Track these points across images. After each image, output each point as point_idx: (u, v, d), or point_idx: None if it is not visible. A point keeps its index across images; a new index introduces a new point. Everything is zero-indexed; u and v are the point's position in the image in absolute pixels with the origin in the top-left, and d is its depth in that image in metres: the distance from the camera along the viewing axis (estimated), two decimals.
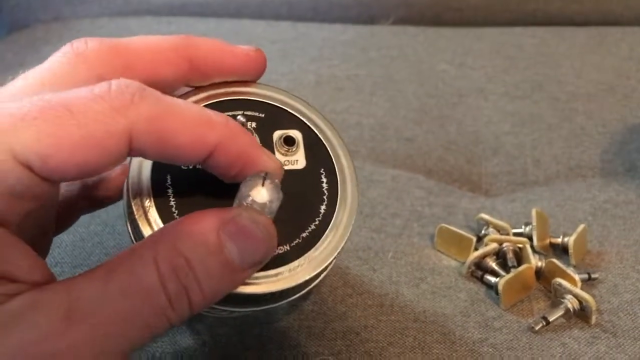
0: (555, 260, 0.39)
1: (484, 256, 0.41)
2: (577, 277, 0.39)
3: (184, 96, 0.30)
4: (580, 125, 0.57)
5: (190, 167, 0.29)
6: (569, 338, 0.36)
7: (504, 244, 0.41)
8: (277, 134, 0.30)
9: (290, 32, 0.71)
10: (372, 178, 0.49)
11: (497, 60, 0.67)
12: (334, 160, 0.30)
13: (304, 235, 0.28)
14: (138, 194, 0.28)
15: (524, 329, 0.37)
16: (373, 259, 0.41)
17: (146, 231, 0.27)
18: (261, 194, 0.26)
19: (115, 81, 0.25)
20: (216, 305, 0.27)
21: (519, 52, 0.68)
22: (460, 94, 0.62)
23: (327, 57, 0.66)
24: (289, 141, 0.30)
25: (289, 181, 0.29)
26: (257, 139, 0.30)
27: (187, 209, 0.27)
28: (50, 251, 0.34)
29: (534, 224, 0.42)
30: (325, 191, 0.30)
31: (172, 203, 0.28)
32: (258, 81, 0.31)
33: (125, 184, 0.29)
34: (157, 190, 0.28)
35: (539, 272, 0.40)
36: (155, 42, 0.29)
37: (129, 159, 0.28)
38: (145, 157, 0.26)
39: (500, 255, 0.41)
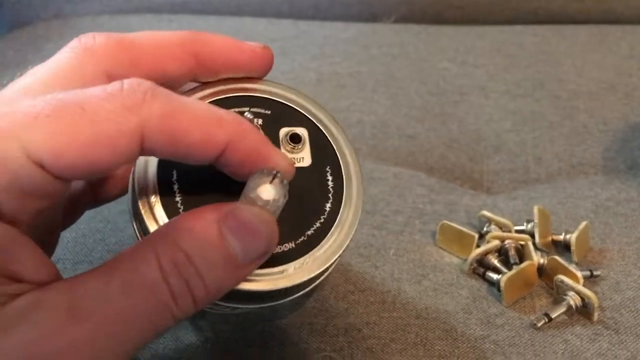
0: (557, 258, 0.39)
1: (486, 253, 0.41)
2: (579, 274, 0.39)
3: (190, 92, 0.30)
4: (582, 123, 0.57)
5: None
6: (571, 335, 0.36)
7: (506, 241, 0.41)
8: (284, 131, 0.30)
9: (292, 30, 0.71)
10: (373, 175, 0.49)
11: (499, 58, 0.67)
12: (339, 158, 0.30)
13: (309, 233, 0.28)
14: (144, 190, 0.28)
15: (526, 325, 0.37)
16: (375, 256, 0.41)
17: (152, 227, 0.27)
18: (268, 190, 0.26)
19: (127, 80, 0.25)
20: (220, 302, 0.27)
21: (520, 50, 0.68)
22: (461, 91, 0.62)
23: (328, 54, 0.66)
24: (295, 138, 0.30)
25: (295, 178, 0.29)
26: None
27: (193, 206, 0.27)
28: None
29: (536, 221, 0.42)
30: (331, 189, 0.30)
31: (178, 199, 0.28)
32: (264, 78, 0.31)
33: (130, 179, 0.29)
34: (163, 187, 0.28)
35: (541, 269, 0.40)
36: (162, 37, 0.29)
37: None
38: (156, 155, 0.26)
39: (502, 253, 0.41)
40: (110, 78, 0.27)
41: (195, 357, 0.35)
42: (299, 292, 0.29)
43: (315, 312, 0.37)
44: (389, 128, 0.57)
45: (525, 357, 0.35)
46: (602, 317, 0.37)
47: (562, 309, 0.37)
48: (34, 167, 0.23)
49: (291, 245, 0.28)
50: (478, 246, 0.41)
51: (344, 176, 0.30)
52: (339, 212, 0.29)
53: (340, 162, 0.30)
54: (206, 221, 0.25)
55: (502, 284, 0.38)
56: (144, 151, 0.25)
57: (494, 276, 0.39)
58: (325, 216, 0.29)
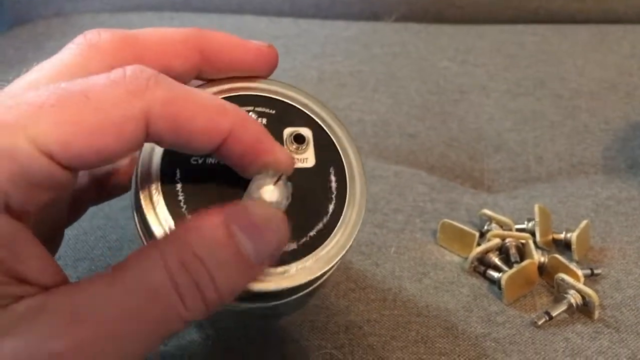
0: (558, 256, 0.39)
1: (487, 251, 0.41)
2: (580, 272, 0.39)
3: None
4: (583, 123, 0.57)
5: (200, 162, 0.28)
6: (572, 333, 0.36)
7: (507, 240, 0.41)
8: (288, 131, 0.30)
9: (293, 28, 0.71)
10: (374, 174, 0.49)
11: (499, 57, 0.67)
12: (343, 158, 0.30)
13: (312, 233, 0.28)
14: (146, 187, 0.27)
15: (526, 323, 0.37)
16: (376, 254, 0.41)
17: (153, 224, 0.27)
18: (271, 192, 0.26)
19: (130, 67, 0.25)
20: None
21: (520, 49, 0.68)
22: (462, 90, 0.62)
23: (329, 53, 0.66)
24: (300, 139, 0.30)
25: (298, 179, 0.29)
26: None
27: (195, 204, 0.27)
28: None
29: (537, 219, 0.42)
30: (334, 190, 0.30)
31: (181, 197, 0.28)
32: (269, 77, 0.31)
33: (133, 176, 0.29)
34: (166, 184, 0.28)
35: (541, 268, 0.40)
36: (166, 33, 0.29)
37: (138, 151, 0.28)
38: (161, 142, 0.26)
39: (502, 251, 0.41)
40: None
41: (196, 354, 0.35)
42: (301, 292, 0.29)
43: (316, 310, 0.37)
44: (390, 127, 0.57)
45: (526, 355, 0.35)
46: (603, 315, 0.37)
47: (562, 307, 0.37)
48: (43, 157, 0.23)
49: (294, 245, 0.28)
50: (479, 244, 0.41)
51: (347, 177, 0.30)
52: (342, 212, 0.29)
53: (344, 162, 0.30)
54: (214, 220, 0.24)
55: (502, 282, 0.38)
56: (149, 137, 0.25)
57: (495, 274, 0.40)
58: (328, 217, 0.29)
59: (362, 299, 0.38)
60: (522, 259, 0.40)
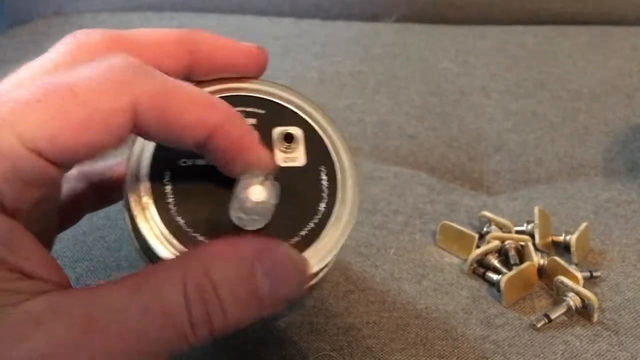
0: (557, 258, 0.39)
1: (486, 253, 0.41)
2: (579, 275, 0.39)
3: None
4: (583, 124, 0.57)
5: (189, 163, 0.28)
6: (571, 336, 0.36)
7: (506, 242, 0.41)
8: (277, 131, 0.30)
9: (293, 28, 0.71)
10: (374, 175, 0.49)
11: (500, 58, 0.67)
12: (334, 157, 0.30)
13: (302, 233, 0.28)
14: (136, 190, 0.27)
15: (525, 326, 0.37)
16: (375, 256, 0.41)
17: (143, 228, 0.27)
18: (258, 192, 0.26)
19: (117, 58, 0.25)
20: None
21: (521, 50, 0.68)
22: (462, 91, 0.62)
23: (330, 54, 0.66)
24: (289, 138, 0.30)
25: (289, 178, 0.29)
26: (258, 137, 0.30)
27: (185, 206, 0.27)
28: None
29: (536, 221, 0.42)
30: (325, 189, 0.29)
31: (170, 200, 0.27)
32: (260, 78, 0.31)
33: (124, 180, 0.29)
34: (156, 187, 0.28)
35: (541, 270, 0.40)
36: (157, 34, 0.29)
37: (128, 155, 0.28)
38: (148, 135, 0.26)
39: (502, 253, 0.41)
40: None
41: (195, 356, 0.35)
42: None
43: (315, 311, 0.37)
44: (390, 127, 0.57)
45: (525, 358, 0.35)
46: (602, 318, 0.37)
47: (562, 310, 0.37)
48: (31, 154, 0.23)
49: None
50: (478, 246, 0.41)
51: (338, 176, 0.30)
52: (332, 212, 0.29)
53: (335, 161, 0.30)
54: (241, 255, 0.24)
55: (502, 285, 0.38)
56: (136, 129, 0.25)
57: (494, 276, 0.39)
58: (319, 216, 0.29)
59: (362, 300, 0.38)
60: (521, 261, 0.40)
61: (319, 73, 0.63)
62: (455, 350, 0.36)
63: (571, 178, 0.52)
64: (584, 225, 0.42)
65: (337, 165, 0.30)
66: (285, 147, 0.30)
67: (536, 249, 0.41)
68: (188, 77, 0.30)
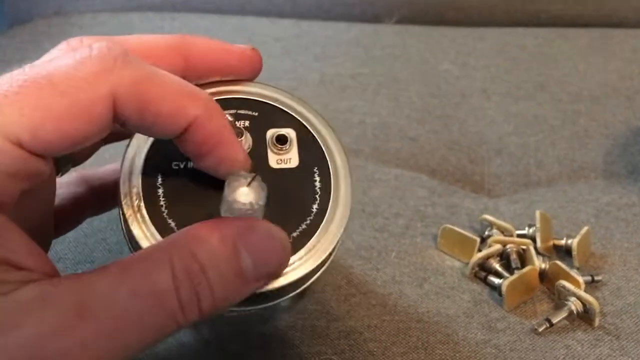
0: (558, 262, 0.39)
1: (488, 257, 0.41)
2: (580, 279, 0.39)
3: None
4: (583, 127, 0.57)
5: (181, 166, 0.29)
6: (572, 340, 0.36)
7: (508, 246, 0.41)
8: (271, 133, 0.30)
9: (294, 29, 0.71)
10: (374, 177, 0.49)
11: (500, 60, 0.67)
12: (328, 158, 0.30)
13: (294, 234, 0.28)
14: (129, 192, 0.28)
15: (527, 330, 0.37)
16: (376, 259, 0.41)
17: (135, 229, 0.27)
18: (246, 194, 0.26)
19: (97, 44, 0.25)
20: None
21: (521, 52, 0.68)
22: (463, 93, 0.62)
23: (330, 55, 0.66)
24: (282, 139, 0.30)
25: (281, 180, 0.29)
26: (250, 139, 0.30)
27: (176, 209, 0.28)
28: (53, 246, 0.34)
29: (538, 225, 0.42)
30: (318, 190, 0.29)
31: (162, 202, 0.28)
32: (255, 80, 0.31)
33: (118, 182, 0.29)
34: (148, 189, 0.28)
35: (542, 274, 0.40)
36: (151, 40, 0.29)
37: (122, 158, 0.29)
38: (127, 124, 0.26)
39: (503, 257, 0.41)
40: None
41: None
42: (287, 294, 0.29)
43: (317, 315, 0.37)
44: (391, 130, 0.57)
45: None
46: (603, 322, 0.37)
47: (563, 314, 0.37)
48: (11, 146, 0.23)
49: None
50: (479, 250, 0.41)
51: (332, 177, 0.30)
52: (325, 213, 0.29)
53: (329, 163, 0.30)
54: (223, 235, 0.25)
55: (503, 289, 0.38)
56: (115, 118, 0.25)
57: (496, 280, 0.39)
58: (311, 217, 0.29)
59: (363, 304, 0.38)
60: (523, 265, 0.40)
61: (319, 74, 0.63)
62: (457, 355, 0.36)
63: (572, 181, 0.52)
64: (585, 229, 0.42)
65: (330, 166, 0.30)
66: (279, 149, 0.30)
67: (538, 252, 0.41)
68: None
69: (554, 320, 0.37)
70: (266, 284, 0.27)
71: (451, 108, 0.60)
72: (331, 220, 0.29)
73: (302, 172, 0.30)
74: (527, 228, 0.43)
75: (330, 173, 0.30)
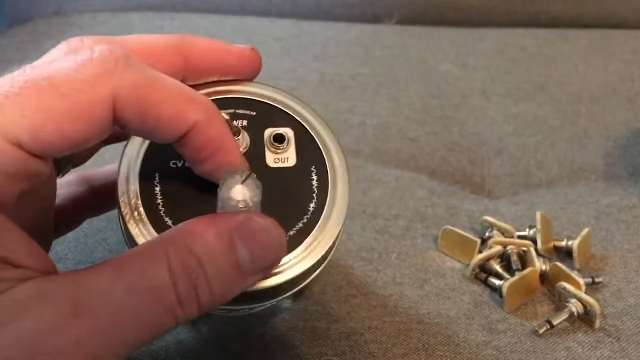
0: (559, 264, 0.39)
1: (489, 259, 0.41)
2: (581, 281, 0.39)
3: None
4: (584, 128, 0.57)
5: (179, 166, 0.29)
6: (573, 342, 0.36)
7: (509, 247, 0.41)
8: (268, 132, 0.30)
9: (294, 30, 0.71)
10: (375, 178, 0.49)
11: (500, 61, 0.67)
12: (325, 158, 0.30)
13: (292, 233, 0.28)
14: (127, 191, 0.28)
15: (528, 332, 0.37)
16: (377, 260, 0.41)
17: (132, 228, 0.27)
18: (240, 192, 0.26)
19: (99, 47, 0.25)
20: None
21: (522, 53, 0.68)
22: (463, 94, 0.62)
23: (330, 55, 0.66)
24: (280, 139, 0.30)
25: (279, 179, 0.29)
26: (248, 138, 0.30)
27: (173, 208, 0.28)
28: (54, 247, 0.34)
29: (539, 227, 0.42)
30: (316, 189, 0.30)
31: (160, 202, 0.28)
32: (255, 80, 0.32)
33: (116, 181, 0.29)
34: (146, 189, 0.28)
35: (543, 276, 0.40)
36: (151, 40, 0.29)
37: (120, 158, 0.29)
38: (127, 128, 0.26)
39: (504, 258, 0.41)
40: None
41: None
42: (286, 292, 0.29)
43: (318, 316, 0.37)
44: (391, 130, 0.57)
45: None
46: (604, 324, 0.37)
47: (564, 316, 0.37)
48: (11, 147, 0.23)
49: None
50: (480, 252, 0.41)
51: (329, 176, 0.30)
52: (322, 212, 0.29)
53: (327, 162, 0.30)
54: (219, 229, 0.25)
55: (504, 290, 0.38)
56: (115, 121, 0.25)
57: (497, 282, 0.39)
58: (308, 216, 0.29)
59: (364, 305, 0.38)
60: (523, 266, 0.40)
61: (319, 75, 0.63)
62: (458, 356, 0.36)
63: (572, 182, 0.52)
64: (586, 231, 0.42)
65: (328, 165, 0.30)
66: (276, 148, 0.30)
67: (538, 254, 0.41)
68: (182, 82, 0.30)
69: (555, 322, 0.37)
70: (264, 277, 0.27)
71: (451, 109, 0.60)
72: (328, 219, 0.29)
73: (300, 171, 0.30)
74: (527, 230, 0.43)
75: (327, 172, 0.30)
